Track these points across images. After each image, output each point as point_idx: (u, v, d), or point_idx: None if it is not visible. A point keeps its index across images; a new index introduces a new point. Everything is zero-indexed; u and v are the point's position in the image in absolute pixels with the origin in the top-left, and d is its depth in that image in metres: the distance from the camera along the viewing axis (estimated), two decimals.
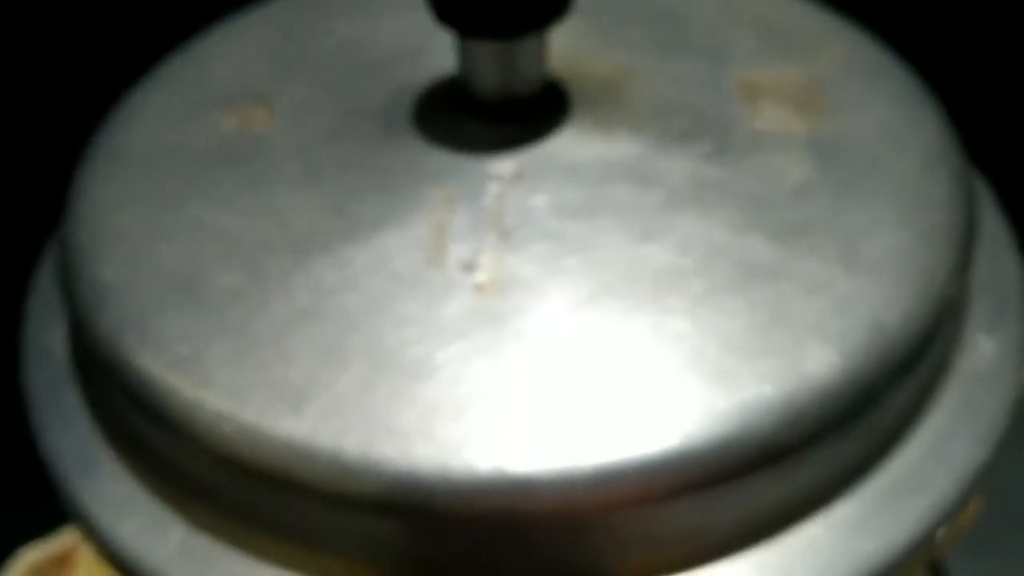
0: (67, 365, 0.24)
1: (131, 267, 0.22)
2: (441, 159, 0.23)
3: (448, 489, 0.18)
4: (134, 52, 0.28)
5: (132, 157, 0.24)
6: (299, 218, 0.22)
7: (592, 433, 0.18)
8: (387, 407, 0.19)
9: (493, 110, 0.23)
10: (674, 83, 0.24)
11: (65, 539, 0.38)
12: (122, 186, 0.24)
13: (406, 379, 0.19)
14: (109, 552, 0.21)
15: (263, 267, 0.21)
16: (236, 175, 0.23)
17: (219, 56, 0.27)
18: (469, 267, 0.20)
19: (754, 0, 0.27)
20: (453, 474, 0.18)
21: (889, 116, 0.23)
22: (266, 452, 0.19)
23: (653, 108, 0.23)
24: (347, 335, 0.20)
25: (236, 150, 0.24)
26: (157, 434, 0.21)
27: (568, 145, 0.23)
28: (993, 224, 0.25)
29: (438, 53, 0.24)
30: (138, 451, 0.22)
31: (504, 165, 0.22)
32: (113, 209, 0.23)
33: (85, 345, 0.22)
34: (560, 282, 0.20)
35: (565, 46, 0.24)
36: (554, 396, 0.19)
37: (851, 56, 0.25)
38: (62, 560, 0.37)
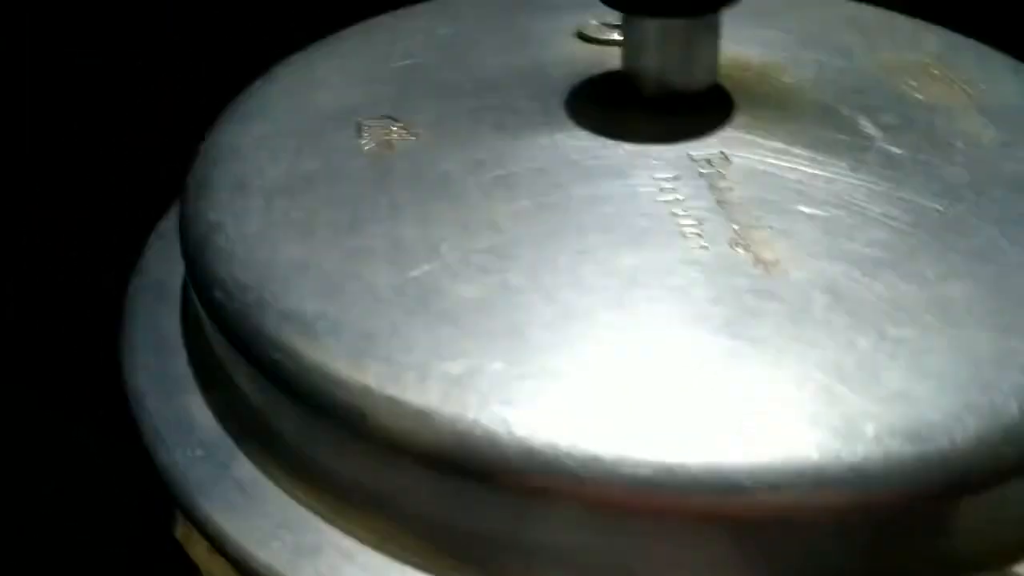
0: None
1: (344, 298, 0.18)
2: (631, 148, 0.21)
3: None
4: (134, 52, 0.25)
5: (267, 188, 0.20)
6: (515, 226, 0.19)
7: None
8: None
9: (659, 104, 0.22)
10: (824, 71, 0.23)
11: None
12: (272, 220, 0.20)
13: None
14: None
15: (508, 277, 0.18)
16: (408, 193, 0.20)
17: (319, 79, 0.24)
18: (744, 247, 0.18)
19: (834, 4, 0.27)
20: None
21: (1017, 80, 0.24)
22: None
23: (818, 91, 0.23)
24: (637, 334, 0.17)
25: (393, 169, 0.21)
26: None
27: (756, 131, 0.21)
28: None
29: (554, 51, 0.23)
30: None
31: (707, 149, 0.21)
32: (279, 242, 0.19)
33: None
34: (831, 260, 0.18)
35: None
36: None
37: (945, 41, 0.26)
38: None
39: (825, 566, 0.15)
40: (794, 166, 0.20)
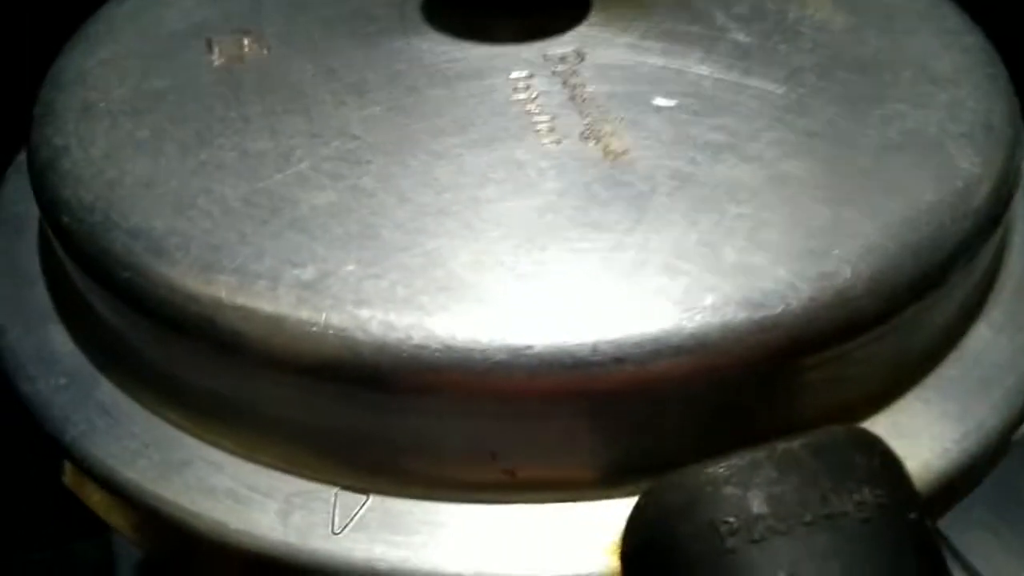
0: None
1: (192, 212, 0.17)
2: (487, 50, 0.21)
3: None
4: None
5: (114, 109, 0.20)
6: (367, 132, 0.19)
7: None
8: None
9: (516, 6, 0.22)
10: None
11: None
12: (119, 140, 0.19)
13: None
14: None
15: (361, 182, 0.18)
16: (258, 106, 0.20)
17: (166, 5, 0.23)
18: (594, 140, 0.19)
19: None
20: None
21: None
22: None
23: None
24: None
25: (243, 82, 0.20)
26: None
27: (611, 28, 0.21)
28: None
29: None
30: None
31: (562, 47, 0.21)
32: (125, 162, 0.19)
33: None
34: (677, 147, 0.19)
35: None
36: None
37: None
38: None
39: (675, 435, 0.16)
40: (645, 59, 0.21)
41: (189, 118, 0.20)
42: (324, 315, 0.16)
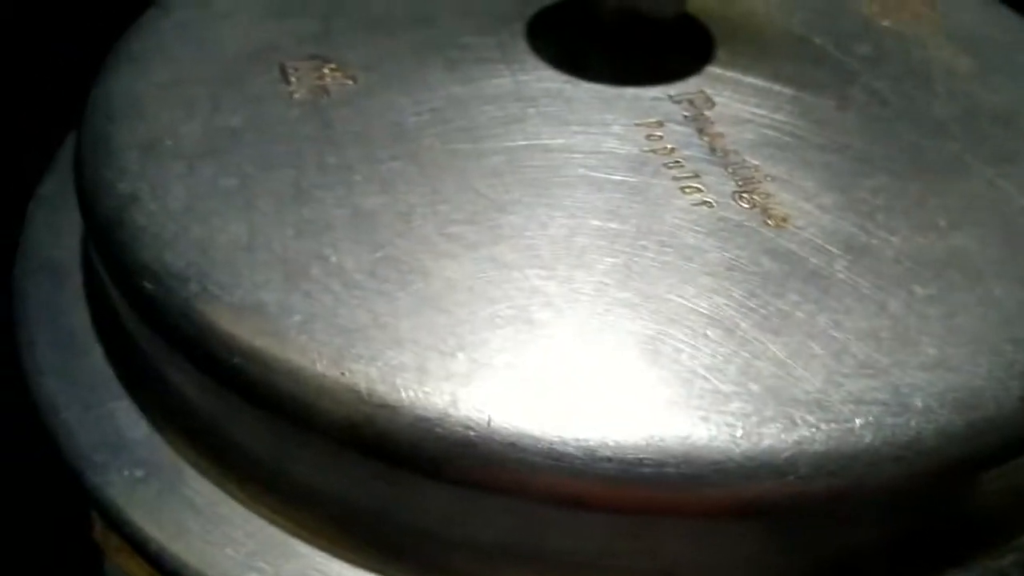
0: None
1: (308, 284, 0.15)
2: (605, 90, 0.19)
3: None
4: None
5: (185, 149, 0.17)
6: (492, 188, 0.17)
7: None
8: None
9: (624, 36, 0.20)
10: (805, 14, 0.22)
11: None
12: (200, 190, 0.16)
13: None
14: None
15: (497, 251, 0.16)
16: (358, 150, 0.17)
17: (221, 10, 0.20)
18: (749, 202, 0.17)
19: None
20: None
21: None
22: None
23: (785, 17, 0.21)
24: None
25: (334, 120, 0.18)
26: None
27: (734, 67, 0.20)
28: None
29: None
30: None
31: (686, 90, 0.19)
32: (213, 217, 0.16)
33: None
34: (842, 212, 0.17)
35: None
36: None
37: None
38: None
39: (868, 554, 0.15)
40: (780, 105, 0.19)
41: (279, 163, 0.17)
42: (488, 418, 0.14)
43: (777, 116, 0.18)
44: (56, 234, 0.20)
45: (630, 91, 0.19)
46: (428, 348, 0.14)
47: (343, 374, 0.14)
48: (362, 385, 0.14)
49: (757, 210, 0.16)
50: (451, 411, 0.14)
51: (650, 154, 0.17)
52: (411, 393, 0.14)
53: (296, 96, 0.18)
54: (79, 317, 0.18)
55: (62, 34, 0.32)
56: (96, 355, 0.18)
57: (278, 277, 0.15)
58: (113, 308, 0.17)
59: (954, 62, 0.21)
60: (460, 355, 0.14)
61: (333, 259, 0.15)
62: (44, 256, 0.20)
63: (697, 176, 0.17)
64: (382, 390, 0.14)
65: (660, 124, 0.18)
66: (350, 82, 0.19)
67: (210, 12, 0.21)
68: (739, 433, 0.14)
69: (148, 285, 0.15)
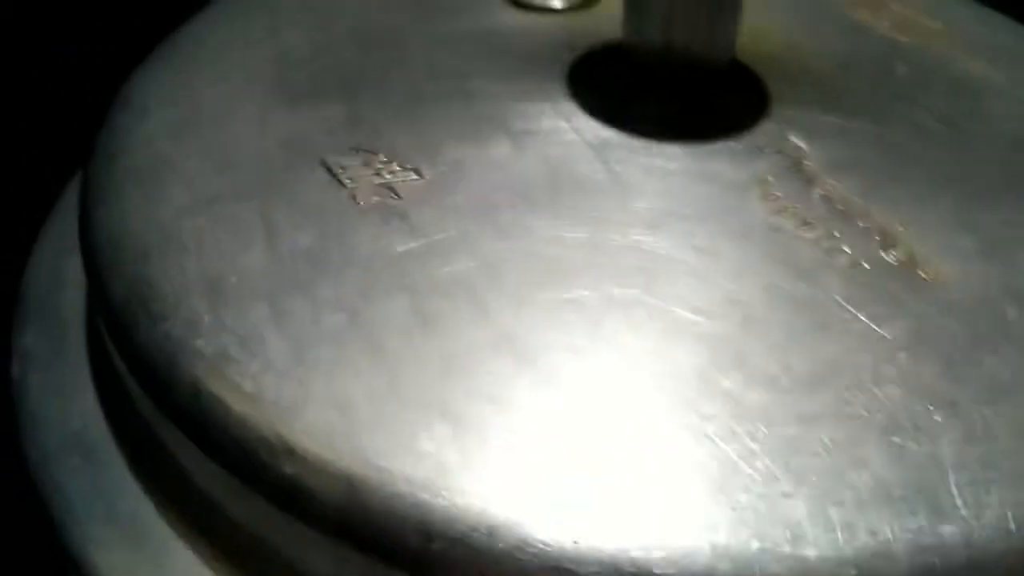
0: None
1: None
2: (694, 149, 0.17)
3: None
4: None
5: (256, 286, 0.14)
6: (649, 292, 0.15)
7: None
8: None
9: (679, 85, 0.18)
10: (820, 31, 0.21)
11: None
12: (301, 338, 0.14)
13: None
14: None
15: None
16: (470, 260, 0.15)
17: (220, 116, 0.17)
18: (895, 256, 0.16)
19: None
20: None
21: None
22: None
23: (831, 56, 0.20)
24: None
25: (424, 229, 0.15)
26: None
27: (805, 110, 0.18)
28: None
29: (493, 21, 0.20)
30: None
31: (771, 138, 0.18)
32: (340, 378, 0.13)
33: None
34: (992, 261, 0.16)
35: None
36: None
37: None
38: None
39: None
40: (865, 143, 0.18)
41: (384, 287, 0.14)
42: (575, 541, 0.12)
43: (870, 155, 0.18)
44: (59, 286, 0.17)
45: (713, 147, 0.17)
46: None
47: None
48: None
49: (909, 265, 0.16)
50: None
51: (778, 217, 0.16)
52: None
53: (361, 202, 0.16)
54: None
55: (62, 34, 0.31)
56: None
57: (445, 430, 0.13)
58: (175, 466, 0.14)
59: (987, 74, 0.21)
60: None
61: (503, 395, 0.13)
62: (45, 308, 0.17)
63: (834, 236, 0.16)
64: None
65: (768, 181, 0.17)
66: (414, 176, 0.16)
67: (202, 109, 0.18)
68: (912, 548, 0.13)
69: (266, 459, 0.13)
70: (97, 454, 0.16)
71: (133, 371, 0.14)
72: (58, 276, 0.19)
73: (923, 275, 0.15)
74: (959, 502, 0.13)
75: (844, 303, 0.15)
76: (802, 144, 0.18)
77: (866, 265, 0.15)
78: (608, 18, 0.21)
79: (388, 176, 0.16)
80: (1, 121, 0.30)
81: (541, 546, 0.12)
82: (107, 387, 0.17)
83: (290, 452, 0.13)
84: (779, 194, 0.16)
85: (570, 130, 0.17)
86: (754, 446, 0.13)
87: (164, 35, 0.21)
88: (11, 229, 0.20)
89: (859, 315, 0.15)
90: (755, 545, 0.12)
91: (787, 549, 0.12)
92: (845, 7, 0.22)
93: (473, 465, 0.13)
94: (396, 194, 0.16)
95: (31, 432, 0.17)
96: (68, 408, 0.17)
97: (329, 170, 0.16)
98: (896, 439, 0.13)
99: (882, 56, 0.21)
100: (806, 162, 0.17)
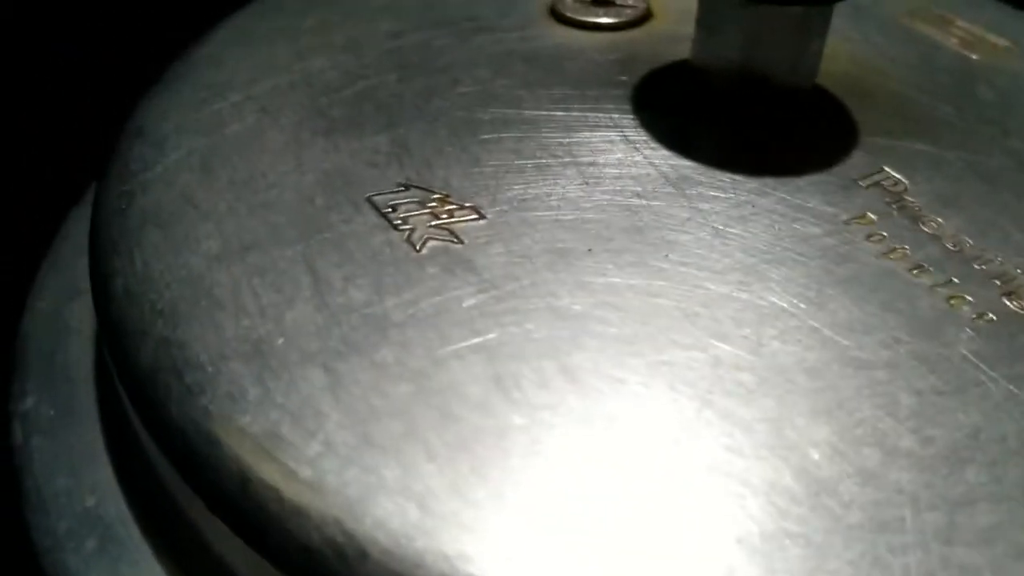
0: None
1: None
2: (783, 184, 0.15)
3: None
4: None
5: (306, 349, 0.12)
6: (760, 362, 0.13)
7: None
8: None
9: (759, 112, 0.17)
10: (890, 52, 0.19)
11: None
12: (363, 417, 0.12)
13: None
14: None
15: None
16: (549, 317, 0.13)
17: (245, 146, 0.15)
18: (1015, 301, 0.14)
19: None
20: None
21: None
22: None
23: (915, 84, 0.18)
24: None
25: (496, 281, 0.13)
26: None
27: (895, 139, 0.17)
28: None
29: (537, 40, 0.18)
30: None
31: (867, 171, 0.16)
32: (422, 471, 0.11)
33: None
34: None
35: None
36: None
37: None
38: None
39: None
40: (963, 175, 0.16)
41: (454, 349, 0.13)
42: None
43: (971, 188, 0.16)
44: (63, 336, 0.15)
45: (805, 180, 0.16)
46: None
47: None
48: None
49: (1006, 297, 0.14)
50: None
51: (888, 261, 0.14)
52: None
53: (419, 247, 0.14)
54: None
55: (62, 34, 0.30)
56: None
57: (541, 527, 0.11)
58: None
59: None
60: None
61: (605, 485, 0.11)
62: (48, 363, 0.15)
63: (952, 282, 0.14)
64: None
65: (870, 219, 0.15)
66: (474, 216, 0.15)
67: (224, 136, 0.16)
68: None
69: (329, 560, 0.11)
70: (116, 537, 0.14)
71: (165, 450, 0.12)
72: (63, 324, 0.17)
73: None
74: None
75: (976, 361, 0.13)
76: (900, 176, 0.16)
77: (992, 316, 0.14)
78: (662, 35, 0.19)
79: (445, 217, 0.15)
80: (1, 121, 0.28)
81: None
82: (126, 459, 0.15)
83: (362, 553, 0.11)
84: (885, 233, 0.15)
85: (644, 162, 0.16)
86: (905, 538, 0.11)
87: (164, 35, 0.19)
88: (13, 238, 0.19)
89: (995, 375, 0.13)
90: None
91: None
92: (907, 21, 0.21)
93: (576, 566, 0.11)
94: (457, 238, 0.14)
95: (37, 509, 0.15)
96: (80, 481, 0.15)
97: (378, 210, 0.15)
98: None
99: (960, 76, 0.19)
100: (907, 197, 0.16)
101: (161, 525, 0.14)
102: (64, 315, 0.17)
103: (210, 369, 0.12)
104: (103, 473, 0.15)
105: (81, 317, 0.17)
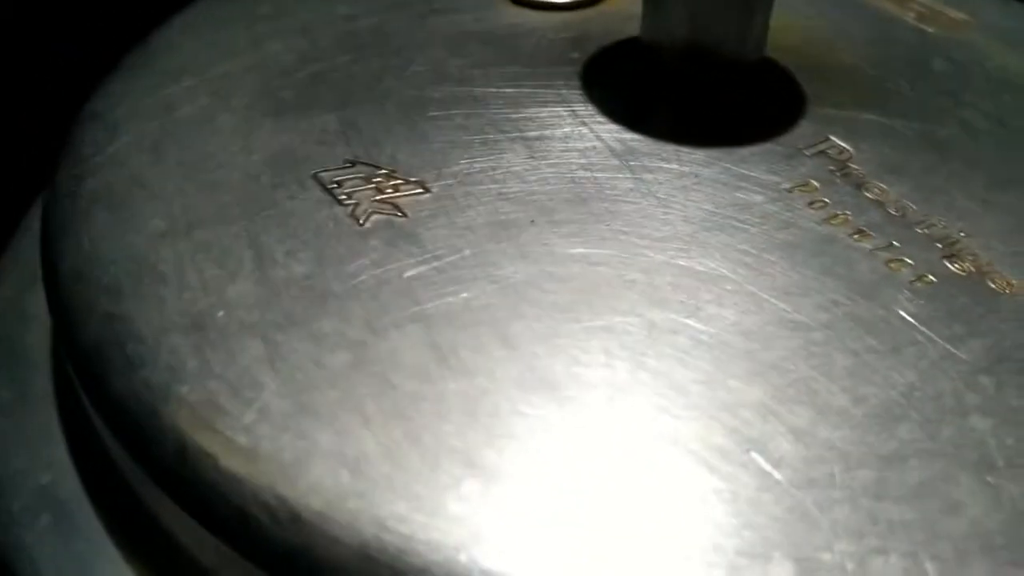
0: None
1: None
2: (722, 154, 0.15)
3: None
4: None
5: (247, 326, 0.12)
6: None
7: None
8: None
9: (707, 85, 0.17)
10: (839, 25, 0.19)
11: None
12: (303, 380, 0.12)
13: None
14: None
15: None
16: (493, 291, 0.13)
17: (196, 126, 0.15)
18: (961, 267, 0.14)
19: None
20: None
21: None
22: None
23: (869, 57, 0.19)
24: None
25: (439, 252, 0.13)
26: None
27: (841, 109, 0.17)
28: None
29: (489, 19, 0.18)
30: None
31: (811, 140, 0.16)
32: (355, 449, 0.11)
33: None
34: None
35: None
36: None
37: None
38: None
39: None
40: (912, 143, 0.16)
41: (394, 318, 0.13)
42: None
43: (919, 156, 0.16)
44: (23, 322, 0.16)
45: (749, 150, 0.16)
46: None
47: None
48: None
49: (977, 276, 0.14)
50: None
51: (829, 226, 0.14)
52: None
53: (362, 221, 0.14)
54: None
55: (62, 34, 0.30)
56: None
57: (474, 486, 0.11)
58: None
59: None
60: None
61: (539, 442, 0.11)
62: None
63: (892, 246, 0.14)
64: None
65: (813, 186, 0.15)
66: (419, 190, 0.15)
67: (176, 119, 0.16)
68: None
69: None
70: (70, 513, 0.14)
71: (109, 423, 0.12)
72: (22, 310, 0.18)
73: (993, 286, 0.14)
74: None
75: (913, 321, 0.13)
76: (846, 145, 0.16)
77: (932, 278, 0.14)
78: (614, 14, 0.19)
79: (390, 191, 0.15)
80: (1, 121, 0.28)
81: None
82: (79, 438, 0.15)
83: (295, 517, 0.11)
84: (827, 200, 0.15)
85: (591, 136, 0.16)
86: (834, 493, 0.11)
87: None
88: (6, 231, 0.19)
89: (932, 335, 0.13)
90: None
91: None
92: None
93: (511, 528, 0.11)
94: (401, 211, 0.14)
95: None
96: (35, 461, 0.15)
97: (323, 186, 0.15)
98: (990, 479, 0.11)
99: (915, 49, 0.19)
100: (852, 164, 0.16)
101: (113, 501, 0.14)
102: (23, 302, 0.18)
103: (151, 342, 0.12)
104: (58, 452, 0.15)
105: (40, 304, 0.17)
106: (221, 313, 0.13)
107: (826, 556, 0.10)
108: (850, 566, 0.10)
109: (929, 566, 0.11)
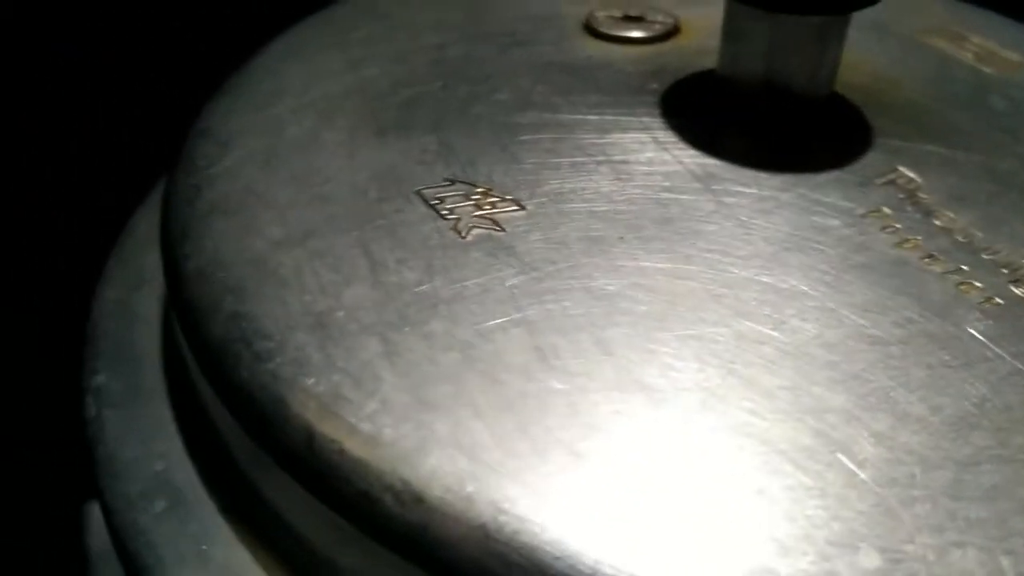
0: None
1: None
2: (797, 180, 0.16)
3: None
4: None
5: (370, 322, 0.13)
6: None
7: None
8: None
9: (781, 119, 0.18)
10: (904, 60, 0.20)
11: None
12: (419, 375, 0.13)
13: None
14: None
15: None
16: (585, 298, 0.14)
17: (305, 146, 0.16)
18: (1021, 287, 0.15)
19: None
20: None
21: None
22: None
23: (932, 94, 0.20)
24: None
25: (537, 264, 0.15)
26: None
27: (905, 140, 0.18)
28: None
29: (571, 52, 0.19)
30: None
31: (882, 169, 0.17)
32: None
33: None
34: None
35: None
36: None
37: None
38: None
39: None
40: (976, 174, 0.17)
41: (499, 323, 0.14)
42: None
43: (983, 187, 0.17)
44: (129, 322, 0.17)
45: (823, 178, 0.17)
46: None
47: None
48: None
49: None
50: None
51: (901, 250, 0.15)
52: None
53: (464, 235, 0.15)
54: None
55: (62, 34, 0.30)
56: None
57: (580, 475, 0.12)
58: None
59: None
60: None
61: (639, 437, 0.12)
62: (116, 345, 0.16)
63: (961, 270, 0.15)
64: None
65: (884, 213, 0.16)
66: (515, 207, 0.16)
67: (284, 137, 0.17)
68: None
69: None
70: (184, 498, 0.15)
71: (235, 413, 0.14)
72: (127, 311, 0.19)
73: None
74: None
75: (983, 339, 0.14)
76: (913, 175, 0.17)
77: (999, 300, 0.15)
78: (687, 48, 0.21)
79: (488, 208, 0.16)
80: (1, 121, 0.29)
81: None
82: (193, 428, 0.16)
83: (418, 499, 0.12)
84: (898, 225, 0.16)
85: (673, 161, 0.17)
86: (915, 492, 0.12)
87: (164, 35, 0.20)
88: (9, 227, 0.20)
89: (1001, 352, 0.14)
90: None
91: None
92: (923, 36, 0.22)
93: (616, 516, 0.12)
94: (499, 226, 0.15)
95: (109, 474, 0.16)
96: (149, 449, 0.16)
97: (426, 202, 0.16)
98: None
99: (973, 88, 0.20)
100: (920, 194, 0.17)
101: (225, 486, 0.15)
102: (130, 302, 0.19)
103: (277, 338, 0.14)
104: (170, 442, 0.16)
105: (145, 304, 0.19)
106: (341, 314, 0.14)
107: (909, 547, 0.11)
108: (931, 557, 0.11)
109: (1003, 559, 0.11)
